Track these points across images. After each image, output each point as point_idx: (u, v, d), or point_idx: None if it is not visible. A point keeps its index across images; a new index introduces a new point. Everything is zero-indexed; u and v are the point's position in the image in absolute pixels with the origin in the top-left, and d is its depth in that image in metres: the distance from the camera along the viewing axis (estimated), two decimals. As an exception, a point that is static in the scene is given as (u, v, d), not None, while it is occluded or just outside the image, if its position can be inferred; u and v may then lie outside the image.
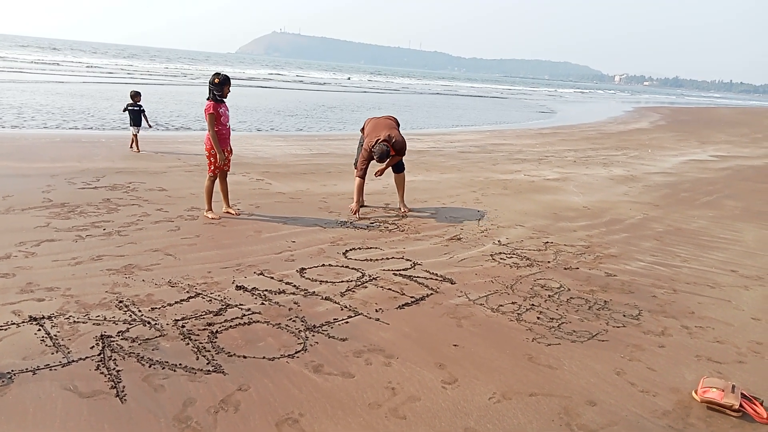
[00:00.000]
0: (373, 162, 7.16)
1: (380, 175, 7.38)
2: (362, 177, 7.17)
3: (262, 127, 17.25)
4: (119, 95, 22.20)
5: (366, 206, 7.62)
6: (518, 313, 4.42)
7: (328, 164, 10.93)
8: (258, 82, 43.57)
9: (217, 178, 6.55)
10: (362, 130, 7.54)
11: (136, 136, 10.91)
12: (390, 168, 7.36)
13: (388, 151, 6.96)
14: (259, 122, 18.43)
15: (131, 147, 10.90)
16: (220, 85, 6.21)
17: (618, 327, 4.32)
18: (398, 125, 7.45)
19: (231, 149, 6.61)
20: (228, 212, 6.69)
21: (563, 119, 30.62)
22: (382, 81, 71.54)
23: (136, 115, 10.92)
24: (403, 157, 7.39)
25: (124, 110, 11.09)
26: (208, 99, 6.28)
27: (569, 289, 5.03)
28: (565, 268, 5.61)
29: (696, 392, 3.37)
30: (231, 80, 6.40)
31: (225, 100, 6.38)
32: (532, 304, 4.62)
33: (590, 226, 7.47)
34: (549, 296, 4.83)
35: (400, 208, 7.49)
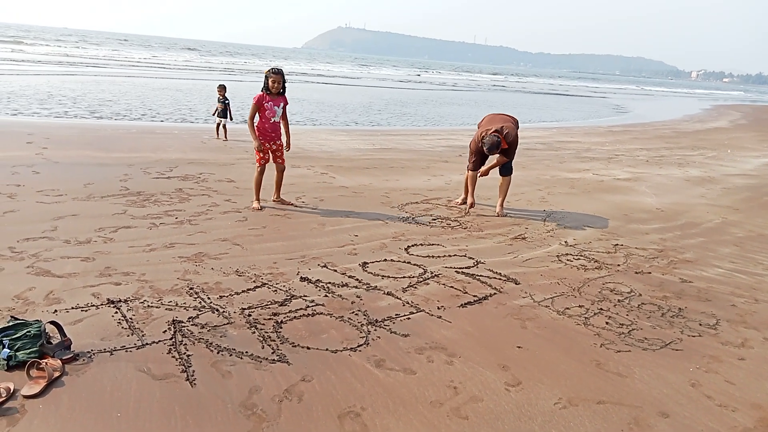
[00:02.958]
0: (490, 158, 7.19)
1: (485, 174, 7.33)
2: (474, 170, 7.13)
3: (326, 122, 17.47)
4: (196, 89, 23.06)
5: (428, 203, 7.58)
6: (585, 317, 4.28)
7: (391, 159, 10.94)
8: (324, 78, 44.13)
9: (275, 172, 6.74)
10: (479, 125, 7.41)
11: (217, 125, 11.85)
12: (498, 170, 7.27)
13: (499, 142, 6.78)
14: (323, 117, 18.67)
15: (217, 135, 11.91)
16: (265, 78, 6.49)
17: (693, 336, 4.11)
18: (516, 124, 7.20)
19: (282, 144, 6.72)
20: (276, 200, 6.87)
21: (635, 117, 29.42)
22: (446, 77, 70.90)
23: (220, 107, 11.80)
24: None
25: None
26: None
27: (640, 295, 4.82)
28: (636, 273, 5.38)
29: (781, 410, 3.16)
30: (279, 73, 6.48)
31: (276, 93, 6.49)
32: (601, 309, 4.46)
33: (664, 229, 7.14)
34: (618, 301, 4.64)
35: (497, 210, 7.21)
